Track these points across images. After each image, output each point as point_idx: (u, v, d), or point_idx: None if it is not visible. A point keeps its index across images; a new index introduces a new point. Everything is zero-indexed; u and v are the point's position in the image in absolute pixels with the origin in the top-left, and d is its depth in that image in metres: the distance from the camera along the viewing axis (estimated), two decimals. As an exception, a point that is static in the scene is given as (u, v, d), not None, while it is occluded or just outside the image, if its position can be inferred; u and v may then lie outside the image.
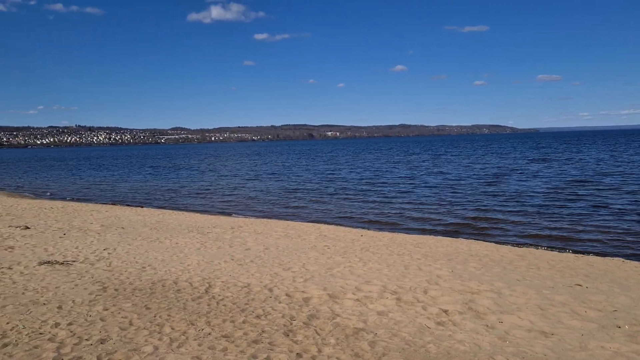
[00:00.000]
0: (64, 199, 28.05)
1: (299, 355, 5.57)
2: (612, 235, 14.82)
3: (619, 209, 19.04)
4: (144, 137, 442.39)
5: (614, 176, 30.81)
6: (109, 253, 11.30)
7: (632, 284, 9.07)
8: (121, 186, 36.23)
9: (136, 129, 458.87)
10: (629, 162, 42.07)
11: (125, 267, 9.93)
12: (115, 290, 8.23)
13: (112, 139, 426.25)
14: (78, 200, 27.43)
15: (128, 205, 24.38)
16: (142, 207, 23.41)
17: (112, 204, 24.48)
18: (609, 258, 12.04)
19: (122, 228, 15.16)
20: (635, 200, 20.82)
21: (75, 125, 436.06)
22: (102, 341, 5.95)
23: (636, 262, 11.50)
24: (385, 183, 32.35)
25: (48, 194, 31.49)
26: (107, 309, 7.18)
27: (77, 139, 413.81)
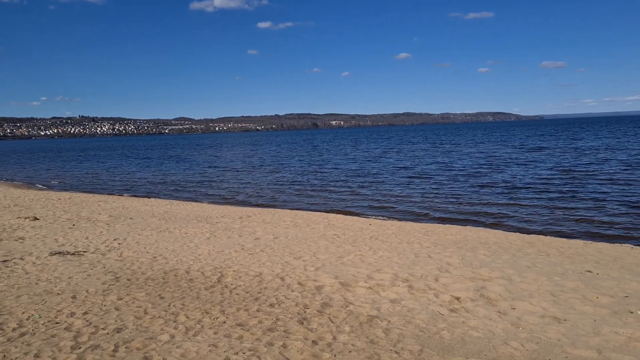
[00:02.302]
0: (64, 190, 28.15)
1: (314, 342, 5.61)
2: (617, 222, 14.78)
3: (621, 196, 18.99)
4: (147, 127, 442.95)
5: (613, 164, 30.62)
6: (119, 243, 11.37)
7: (643, 270, 9.06)
8: (118, 178, 36.33)
9: (140, 120, 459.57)
10: (629, 150, 41.87)
11: (136, 257, 9.99)
12: (128, 280, 8.28)
13: (115, 130, 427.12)
14: (73, 191, 27.51)
15: (135, 195, 24.47)
16: (148, 197, 23.49)
17: (119, 195, 24.58)
18: (618, 244, 12.03)
19: (131, 218, 15.22)
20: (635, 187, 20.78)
21: (79, 116, 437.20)
22: (118, 330, 6.00)
23: (645, 248, 11.49)
24: (385, 173, 32.27)
25: (55, 182, 31.62)
26: (121, 299, 7.24)
27: (81, 130, 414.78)
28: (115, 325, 6.17)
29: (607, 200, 18.10)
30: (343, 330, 5.99)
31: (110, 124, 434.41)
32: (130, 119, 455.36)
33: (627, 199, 18.28)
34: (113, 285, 7.96)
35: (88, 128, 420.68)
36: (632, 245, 11.85)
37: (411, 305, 6.96)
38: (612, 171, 26.66)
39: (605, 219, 15.22)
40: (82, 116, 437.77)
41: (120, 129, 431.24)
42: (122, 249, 10.71)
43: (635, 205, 17.01)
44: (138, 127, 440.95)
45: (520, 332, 5.96)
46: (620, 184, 21.86)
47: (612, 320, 6.33)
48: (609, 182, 22.76)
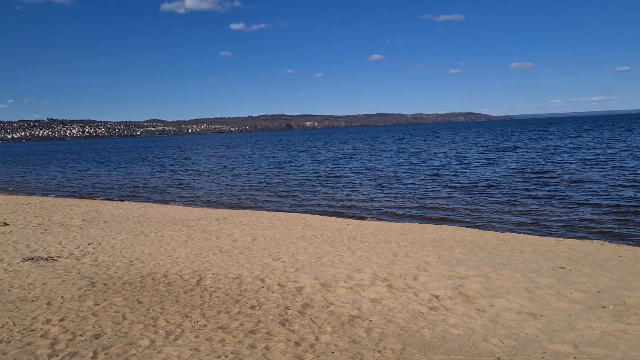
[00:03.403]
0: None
1: (297, 343, 5.61)
2: (583, 219, 15.16)
3: (585, 194, 19.51)
4: (119, 129, 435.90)
5: (578, 163, 31.32)
6: (93, 248, 11.16)
7: (613, 265, 9.33)
8: (87, 181, 35.68)
9: (111, 122, 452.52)
10: (593, 149, 43.00)
11: (112, 261, 9.82)
12: (105, 285, 8.14)
13: (85, 132, 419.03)
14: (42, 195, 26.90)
15: (108, 199, 24.04)
16: (122, 200, 23.11)
17: (91, 199, 24.11)
18: (589, 241, 12.33)
19: (105, 222, 14.96)
20: (599, 185, 21.38)
21: (47, 119, 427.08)
22: (96, 336, 5.90)
23: (614, 244, 11.83)
24: (357, 174, 32.35)
25: (10, 189, 30.81)
26: (98, 304, 7.11)
27: (50, 133, 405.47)
28: (93, 331, 6.06)
29: (575, 198, 18.55)
30: (325, 331, 6.01)
31: (80, 127, 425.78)
32: (100, 121, 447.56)
33: (592, 196, 18.77)
34: (89, 290, 7.82)
35: (57, 131, 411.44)
36: (602, 242, 12.17)
37: (391, 304, 7.02)
38: (578, 170, 27.29)
39: (573, 216, 15.61)
40: (51, 119, 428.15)
41: (91, 132, 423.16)
42: (97, 254, 10.51)
43: (601, 203, 17.48)
44: (109, 129, 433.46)
45: (498, 329, 6.07)
46: (586, 183, 22.42)
47: (586, 315, 6.50)
48: (575, 181, 23.30)
